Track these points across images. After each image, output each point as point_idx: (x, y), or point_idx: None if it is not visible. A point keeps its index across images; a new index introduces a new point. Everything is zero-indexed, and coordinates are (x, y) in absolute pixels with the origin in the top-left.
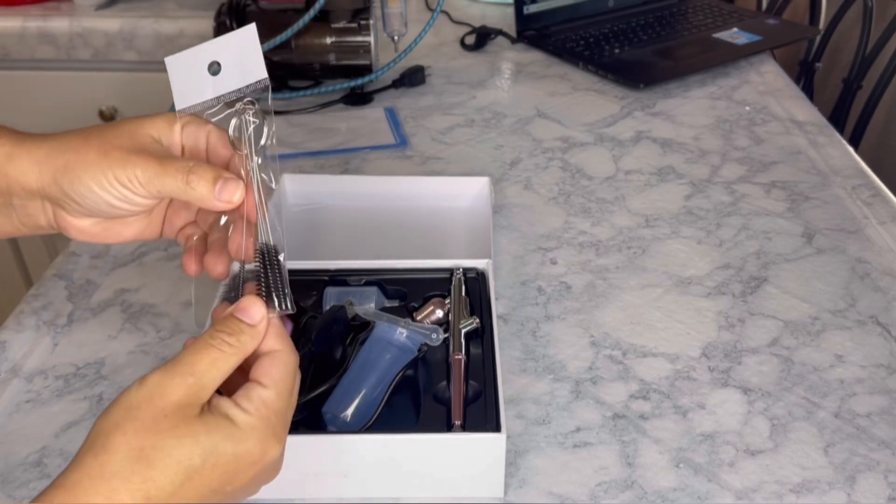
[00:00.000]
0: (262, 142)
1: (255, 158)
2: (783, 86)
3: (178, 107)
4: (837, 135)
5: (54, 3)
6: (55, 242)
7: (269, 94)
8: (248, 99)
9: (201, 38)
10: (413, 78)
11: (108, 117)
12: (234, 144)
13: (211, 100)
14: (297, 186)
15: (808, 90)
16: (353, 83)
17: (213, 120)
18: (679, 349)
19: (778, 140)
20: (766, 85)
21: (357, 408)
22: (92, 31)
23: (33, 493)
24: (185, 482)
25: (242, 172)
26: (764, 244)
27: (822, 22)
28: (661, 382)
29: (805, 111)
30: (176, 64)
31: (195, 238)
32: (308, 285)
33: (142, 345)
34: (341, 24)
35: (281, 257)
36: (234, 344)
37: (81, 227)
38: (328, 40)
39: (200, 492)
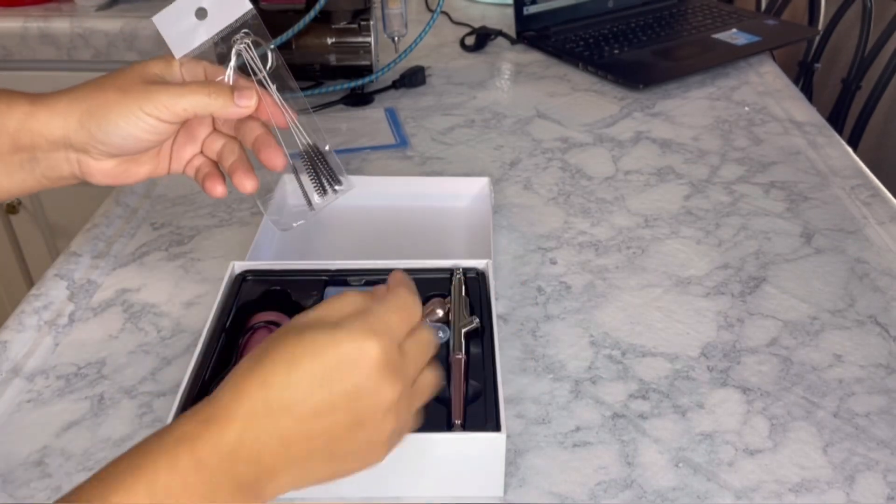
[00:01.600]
0: (269, 64)
1: (265, 75)
2: (782, 86)
3: (176, 56)
4: (836, 135)
5: (55, 3)
6: (56, 242)
7: (260, 22)
8: (244, 31)
9: None
10: (413, 78)
11: None
12: (244, 71)
13: (206, 41)
14: (297, 186)
15: (808, 91)
16: (353, 84)
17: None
18: (678, 349)
19: (777, 140)
20: (765, 85)
21: None
22: (93, 31)
23: (34, 492)
24: (290, 370)
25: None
26: (763, 244)
27: (822, 22)
28: (661, 382)
29: (804, 112)
30: (164, 20)
31: (205, 167)
32: (308, 285)
33: (143, 344)
34: (342, 25)
35: (326, 147)
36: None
37: (104, 169)
38: (329, 41)
39: (308, 380)
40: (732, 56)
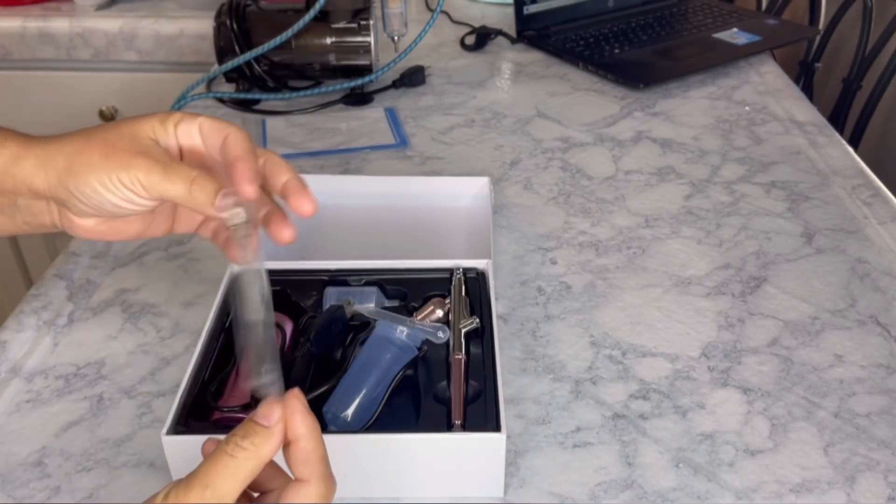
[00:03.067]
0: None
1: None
2: (783, 86)
3: None
4: (837, 135)
5: (55, 3)
6: (55, 242)
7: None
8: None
9: (201, 38)
10: (413, 78)
11: (108, 117)
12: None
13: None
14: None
15: (808, 90)
16: (353, 83)
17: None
18: (679, 349)
19: (778, 140)
20: (765, 85)
21: (358, 407)
22: (92, 31)
23: (33, 493)
24: None
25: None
26: (764, 244)
27: (822, 22)
28: (661, 382)
29: (805, 111)
30: None
31: (225, 230)
32: (308, 285)
33: (142, 344)
34: (341, 25)
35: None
36: (249, 447)
37: (86, 226)
38: (328, 40)
39: None
40: (733, 55)
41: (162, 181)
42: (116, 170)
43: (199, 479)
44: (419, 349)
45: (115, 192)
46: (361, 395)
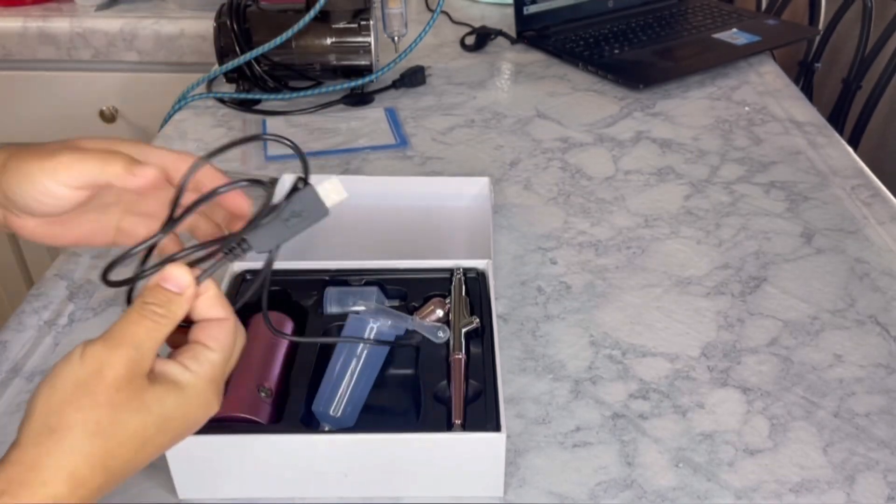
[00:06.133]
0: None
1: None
2: (782, 86)
3: None
4: (837, 135)
5: (55, 3)
6: None
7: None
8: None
9: (202, 39)
10: (413, 78)
11: (108, 117)
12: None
13: None
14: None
15: (808, 90)
16: (353, 83)
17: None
18: (678, 349)
19: (777, 140)
20: (765, 85)
21: (346, 403)
22: (93, 31)
23: None
24: (139, 450)
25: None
26: (763, 244)
27: (822, 22)
28: (661, 382)
29: (804, 111)
30: None
31: (173, 245)
32: (308, 285)
33: None
34: (341, 25)
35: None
36: (165, 314)
37: (28, 226)
38: (328, 41)
39: (150, 452)
40: (732, 56)
41: (79, 161)
42: (41, 160)
43: (125, 339)
44: (395, 339)
45: (36, 186)
46: (346, 391)
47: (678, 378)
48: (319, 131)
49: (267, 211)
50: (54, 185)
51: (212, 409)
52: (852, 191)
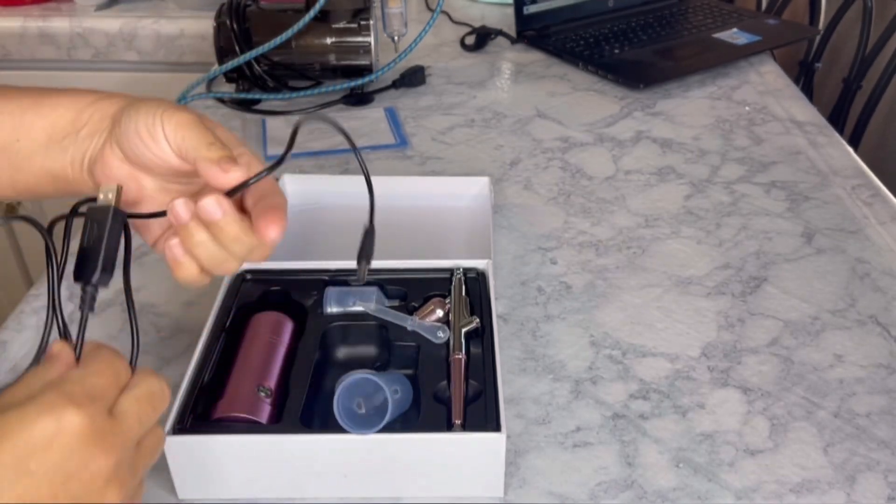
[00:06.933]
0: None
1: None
2: (783, 86)
3: None
4: (837, 135)
5: (55, 3)
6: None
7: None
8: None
9: (201, 38)
10: (413, 78)
11: None
12: None
13: None
14: (297, 186)
15: (808, 90)
16: (353, 83)
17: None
18: (679, 349)
19: (778, 140)
20: (765, 85)
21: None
22: (92, 31)
23: None
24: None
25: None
26: (764, 244)
27: (822, 22)
28: (661, 382)
29: (805, 111)
30: None
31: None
32: (308, 285)
33: (142, 344)
34: (341, 25)
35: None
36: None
37: (111, 164)
38: (328, 40)
39: (2, 473)
40: (733, 56)
41: (193, 128)
42: (163, 106)
43: None
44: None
45: (150, 119)
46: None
47: (678, 378)
48: (319, 131)
49: None
50: (159, 130)
51: (65, 417)
52: (853, 191)
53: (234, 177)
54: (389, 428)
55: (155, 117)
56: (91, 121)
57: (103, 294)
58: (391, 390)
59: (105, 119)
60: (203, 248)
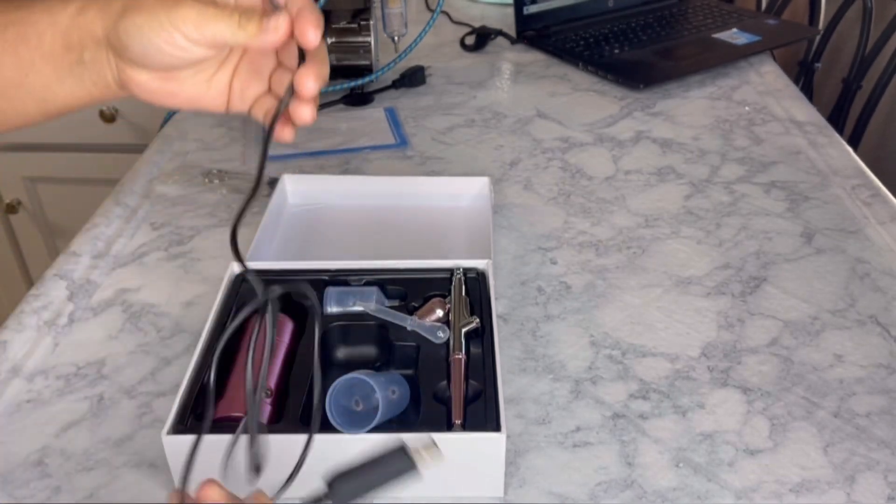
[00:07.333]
0: None
1: None
2: (783, 86)
3: None
4: (837, 135)
5: None
6: (55, 242)
7: None
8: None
9: None
10: (413, 78)
11: (108, 118)
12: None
13: None
14: (297, 186)
15: (808, 90)
16: (353, 83)
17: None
18: (679, 349)
19: (777, 140)
20: (765, 85)
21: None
22: None
23: (34, 492)
24: None
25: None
26: (763, 244)
27: (822, 22)
28: (661, 382)
29: (804, 111)
30: None
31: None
32: (308, 285)
33: (142, 344)
34: (341, 25)
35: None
36: None
37: (140, 80)
38: (328, 40)
39: None
40: (733, 56)
41: (210, 20)
42: (167, 9)
43: None
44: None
45: (162, 34)
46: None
47: (678, 378)
48: (319, 131)
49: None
50: (182, 39)
51: None
52: (852, 191)
53: (282, 24)
54: (387, 427)
55: (164, 30)
56: (86, 46)
57: (104, 294)
58: (388, 390)
59: (100, 46)
60: None
